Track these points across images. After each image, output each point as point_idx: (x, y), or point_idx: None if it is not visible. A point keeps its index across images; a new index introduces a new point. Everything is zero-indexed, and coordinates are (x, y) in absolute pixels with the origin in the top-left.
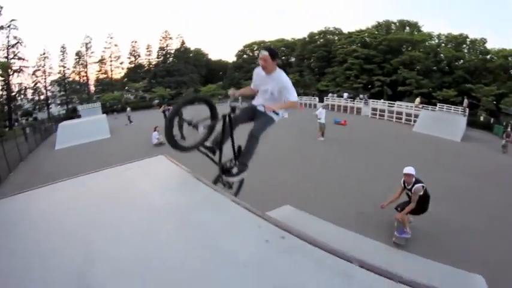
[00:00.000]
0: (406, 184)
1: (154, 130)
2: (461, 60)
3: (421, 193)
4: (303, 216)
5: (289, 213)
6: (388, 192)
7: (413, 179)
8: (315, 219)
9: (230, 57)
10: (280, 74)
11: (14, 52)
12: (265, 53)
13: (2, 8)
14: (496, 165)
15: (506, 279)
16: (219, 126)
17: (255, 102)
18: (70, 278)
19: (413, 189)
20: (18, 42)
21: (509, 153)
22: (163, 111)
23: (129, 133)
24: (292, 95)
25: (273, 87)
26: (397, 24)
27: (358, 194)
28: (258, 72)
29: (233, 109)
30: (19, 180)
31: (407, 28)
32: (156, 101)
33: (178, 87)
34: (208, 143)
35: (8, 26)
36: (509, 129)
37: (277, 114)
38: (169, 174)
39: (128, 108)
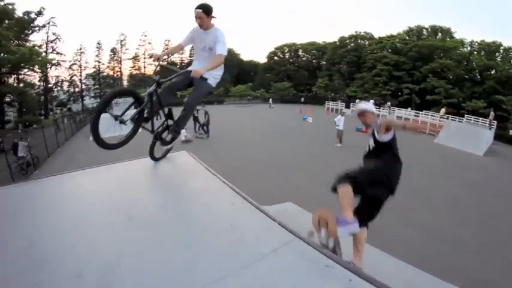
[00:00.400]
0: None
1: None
2: (493, 70)
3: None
4: (302, 214)
5: (290, 209)
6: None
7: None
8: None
9: (262, 59)
10: (216, 29)
11: (52, 47)
12: (199, 11)
13: (44, 9)
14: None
15: None
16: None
17: (191, 67)
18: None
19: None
20: (56, 38)
21: None
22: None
23: None
24: (222, 48)
25: (209, 42)
26: (429, 30)
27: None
28: (195, 30)
29: (158, 84)
30: (56, 166)
31: (440, 34)
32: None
33: None
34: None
35: (48, 23)
36: None
37: (206, 79)
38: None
39: None
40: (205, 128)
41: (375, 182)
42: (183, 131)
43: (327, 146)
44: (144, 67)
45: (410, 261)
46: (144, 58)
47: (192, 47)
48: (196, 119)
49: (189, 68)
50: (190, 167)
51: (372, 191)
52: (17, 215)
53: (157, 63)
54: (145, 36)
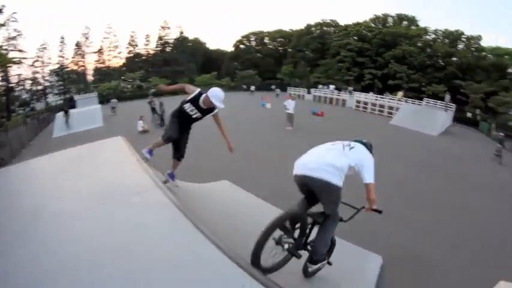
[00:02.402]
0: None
1: (140, 119)
2: (455, 57)
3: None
4: (238, 191)
5: (227, 187)
6: None
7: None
8: (247, 194)
9: (228, 47)
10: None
11: (14, 45)
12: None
13: (4, 6)
14: (455, 158)
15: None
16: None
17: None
18: None
19: None
20: (18, 35)
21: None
22: (149, 102)
23: (120, 122)
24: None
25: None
26: (395, 18)
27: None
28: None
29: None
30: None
31: (405, 22)
32: (152, 91)
33: (174, 76)
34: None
35: (8, 20)
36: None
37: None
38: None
39: (114, 100)
40: (162, 119)
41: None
42: (139, 122)
43: (277, 130)
44: (109, 60)
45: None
46: (109, 50)
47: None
48: (153, 110)
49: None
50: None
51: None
52: None
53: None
54: (110, 28)
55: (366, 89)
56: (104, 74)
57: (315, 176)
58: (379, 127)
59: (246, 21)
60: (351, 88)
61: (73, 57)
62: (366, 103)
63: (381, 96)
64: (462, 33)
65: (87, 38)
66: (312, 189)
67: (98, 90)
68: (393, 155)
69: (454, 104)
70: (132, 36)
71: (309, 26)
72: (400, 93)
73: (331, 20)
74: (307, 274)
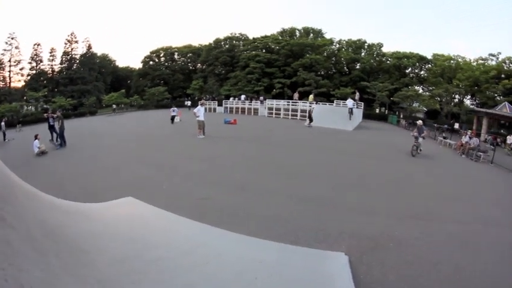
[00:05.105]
0: None
1: (35, 138)
2: (358, 64)
3: None
4: (144, 208)
5: (132, 205)
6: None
7: None
8: (156, 211)
9: (137, 64)
10: None
11: None
12: None
13: None
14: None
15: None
16: None
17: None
18: None
19: None
20: None
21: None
22: (47, 118)
23: (18, 144)
24: None
25: None
26: (302, 30)
27: (211, 181)
28: None
29: None
30: None
31: (312, 35)
32: (46, 107)
33: (81, 96)
34: None
35: None
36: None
37: None
38: None
39: (2, 123)
40: (62, 137)
41: None
42: (35, 142)
43: (188, 139)
44: (10, 77)
45: None
46: (10, 66)
47: None
48: (52, 128)
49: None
50: None
51: None
52: None
53: None
54: (11, 39)
55: (276, 98)
56: (3, 93)
57: None
58: (296, 127)
59: (155, 37)
60: (261, 97)
61: None
62: (278, 109)
63: (293, 101)
64: (365, 42)
65: None
66: None
67: None
68: (319, 147)
69: (362, 103)
70: (35, 50)
71: (218, 40)
72: (311, 97)
73: (240, 34)
74: None
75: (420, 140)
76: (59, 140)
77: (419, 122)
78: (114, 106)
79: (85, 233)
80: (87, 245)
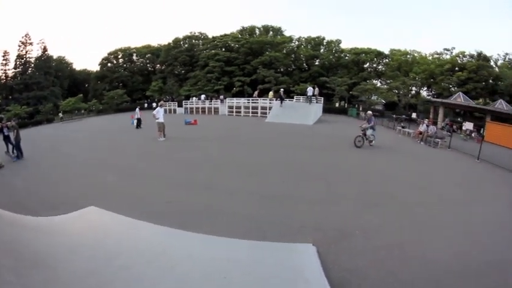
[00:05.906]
0: None
1: None
2: (317, 60)
3: None
4: (108, 217)
5: (94, 215)
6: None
7: None
8: (121, 218)
9: (95, 66)
10: None
11: None
12: None
13: None
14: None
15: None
16: None
17: None
18: None
19: None
20: None
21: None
22: (1, 128)
23: None
24: None
25: None
26: (261, 29)
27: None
28: None
29: None
30: None
31: (271, 33)
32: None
33: (37, 103)
34: None
35: None
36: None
37: None
38: None
39: None
40: (19, 148)
41: None
42: None
43: (150, 142)
44: None
45: None
46: None
47: None
48: (7, 139)
49: None
50: None
51: None
52: None
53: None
54: None
55: (236, 96)
56: None
57: None
58: (257, 125)
59: (113, 37)
60: (222, 96)
61: None
62: (238, 107)
63: (253, 98)
64: (323, 39)
65: None
66: None
67: None
68: (280, 143)
69: (322, 97)
70: (4, 57)
71: (177, 40)
72: (271, 94)
73: (200, 33)
74: None
75: (370, 131)
76: (15, 151)
77: (369, 112)
78: (60, 115)
79: (47, 247)
80: (50, 260)
